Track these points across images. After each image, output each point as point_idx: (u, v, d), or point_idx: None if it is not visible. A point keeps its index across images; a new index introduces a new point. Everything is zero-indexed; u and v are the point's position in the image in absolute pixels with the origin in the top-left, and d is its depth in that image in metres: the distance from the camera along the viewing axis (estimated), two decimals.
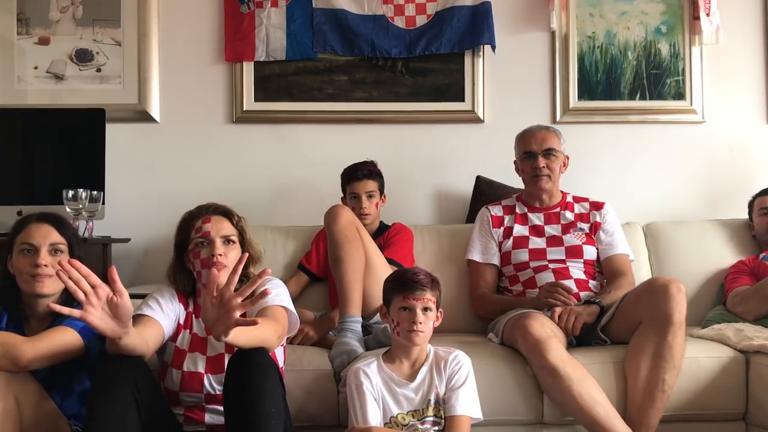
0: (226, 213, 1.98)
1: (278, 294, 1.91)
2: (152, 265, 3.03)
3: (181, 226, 1.99)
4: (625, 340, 2.23)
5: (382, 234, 2.77)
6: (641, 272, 2.77)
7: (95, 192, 2.75)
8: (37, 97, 3.16)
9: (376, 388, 1.96)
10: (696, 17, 3.26)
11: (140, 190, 3.17)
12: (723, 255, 2.90)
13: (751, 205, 2.99)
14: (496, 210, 2.73)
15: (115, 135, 3.03)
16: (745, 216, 3.03)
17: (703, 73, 3.31)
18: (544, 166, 2.61)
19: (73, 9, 3.20)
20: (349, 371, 2.03)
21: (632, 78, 3.31)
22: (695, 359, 2.19)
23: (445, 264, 2.84)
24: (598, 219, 2.64)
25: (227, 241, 1.93)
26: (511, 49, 3.26)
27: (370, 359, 2.03)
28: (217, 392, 1.88)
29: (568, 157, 2.71)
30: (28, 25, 3.19)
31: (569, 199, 2.72)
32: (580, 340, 2.32)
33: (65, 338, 1.79)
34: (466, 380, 1.99)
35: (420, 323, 1.94)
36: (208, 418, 1.90)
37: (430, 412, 1.96)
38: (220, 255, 1.89)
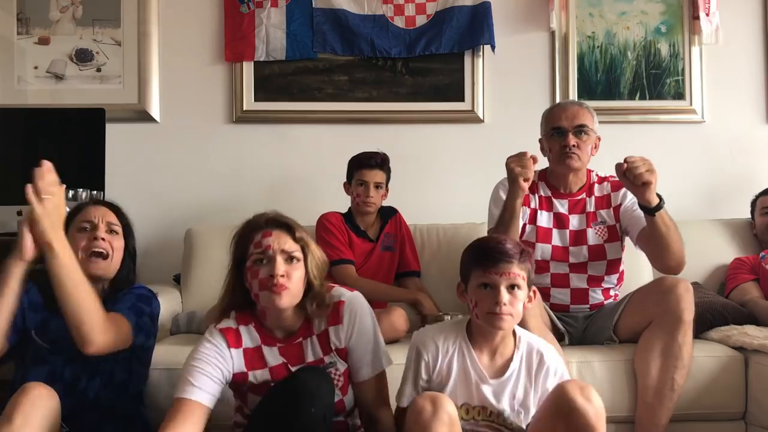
0: (288, 226, 1.75)
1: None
2: (152, 265, 3.02)
3: (238, 240, 1.76)
4: (632, 340, 2.23)
5: (390, 218, 2.82)
6: (642, 272, 2.75)
7: (95, 192, 2.75)
8: (37, 97, 3.16)
9: (440, 372, 1.69)
10: (696, 17, 3.27)
11: (140, 190, 3.17)
12: (724, 254, 2.91)
13: (753, 204, 3.00)
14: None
15: (115, 135, 3.03)
16: (746, 215, 3.04)
17: (702, 73, 3.31)
18: (574, 145, 2.37)
19: (73, 9, 3.20)
20: (427, 337, 1.74)
21: (632, 78, 3.31)
22: (695, 359, 2.19)
23: (445, 264, 2.84)
24: (618, 201, 2.44)
25: (290, 258, 1.70)
26: (511, 49, 3.27)
27: (452, 337, 1.72)
28: None
29: (599, 138, 2.46)
30: (28, 25, 3.19)
31: (593, 179, 2.50)
32: (590, 339, 2.34)
33: (125, 329, 1.80)
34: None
35: (504, 305, 1.60)
36: None
37: (501, 420, 1.68)
38: (281, 276, 1.66)
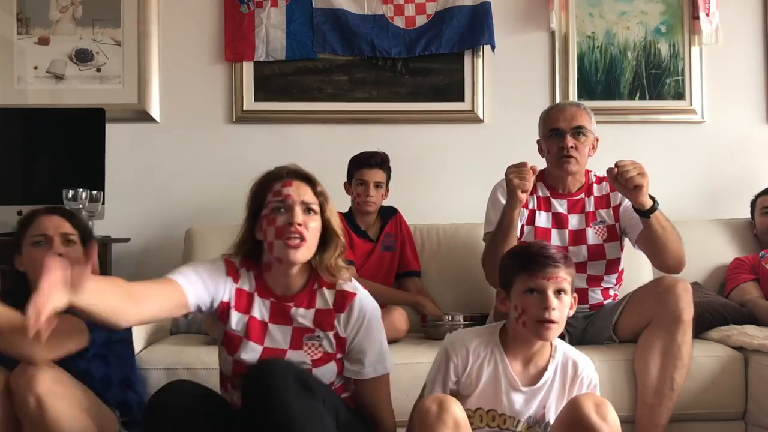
0: (309, 179, 1.75)
1: None
2: (152, 265, 3.02)
3: (257, 189, 1.76)
4: (632, 340, 2.23)
5: (390, 218, 2.82)
6: (642, 272, 2.75)
7: (95, 192, 2.75)
8: (37, 97, 3.16)
9: (470, 375, 1.64)
10: (696, 17, 3.26)
11: (140, 190, 3.17)
12: (724, 254, 2.91)
13: (753, 204, 3.00)
14: None
15: (115, 135, 3.03)
16: (746, 215, 3.04)
17: (702, 73, 3.31)
18: (572, 146, 2.36)
19: (73, 9, 3.20)
20: (457, 340, 1.69)
21: (632, 78, 3.31)
22: (694, 358, 2.18)
23: (445, 264, 2.84)
24: (617, 200, 2.44)
25: (308, 209, 1.69)
26: (511, 49, 3.27)
27: (485, 342, 1.67)
28: None
29: (597, 139, 2.47)
30: (28, 25, 3.19)
31: (592, 178, 2.51)
32: (590, 339, 2.33)
33: (77, 328, 1.72)
34: None
35: (554, 309, 1.55)
36: None
37: (522, 428, 1.63)
38: (299, 224, 1.65)
